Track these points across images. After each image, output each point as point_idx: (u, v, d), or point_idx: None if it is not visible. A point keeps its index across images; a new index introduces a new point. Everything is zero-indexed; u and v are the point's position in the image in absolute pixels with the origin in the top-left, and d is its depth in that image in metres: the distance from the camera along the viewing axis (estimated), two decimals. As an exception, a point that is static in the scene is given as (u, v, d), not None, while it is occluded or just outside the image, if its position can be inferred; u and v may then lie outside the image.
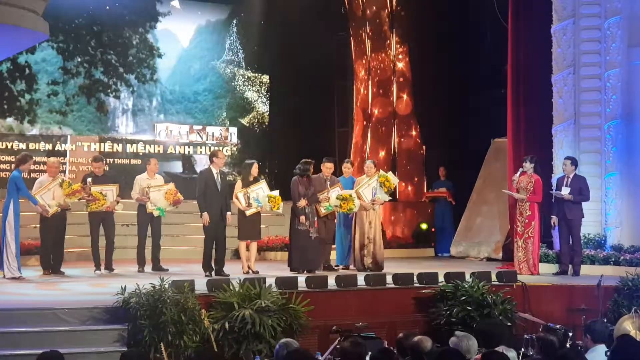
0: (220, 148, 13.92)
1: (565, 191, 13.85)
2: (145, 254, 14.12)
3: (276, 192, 13.62)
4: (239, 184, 13.66)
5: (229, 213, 13.58)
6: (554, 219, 14.07)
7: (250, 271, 13.52)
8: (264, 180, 13.83)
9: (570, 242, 13.96)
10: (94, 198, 13.50)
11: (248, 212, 13.47)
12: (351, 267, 14.53)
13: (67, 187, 13.25)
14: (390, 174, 14.66)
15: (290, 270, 13.75)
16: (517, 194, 13.99)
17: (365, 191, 14.22)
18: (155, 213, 13.86)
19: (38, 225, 13.85)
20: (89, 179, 13.65)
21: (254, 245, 13.86)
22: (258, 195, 13.47)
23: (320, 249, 14.16)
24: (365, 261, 14.26)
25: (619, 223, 14.76)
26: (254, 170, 13.68)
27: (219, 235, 13.49)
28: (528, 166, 14.00)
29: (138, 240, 14.14)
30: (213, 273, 13.22)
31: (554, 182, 14.70)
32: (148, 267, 14.07)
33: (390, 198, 14.84)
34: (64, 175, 15.47)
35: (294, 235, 13.94)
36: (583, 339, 8.09)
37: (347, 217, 14.76)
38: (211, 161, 13.58)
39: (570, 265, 13.95)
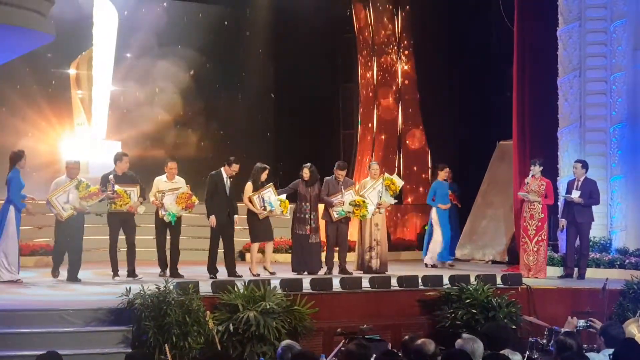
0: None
1: (575, 194, 13.83)
2: (166, 257, 13.55)
3: (283, 196, 13.78)
4: (249, 186, 13.69)
5: (236, 216, 13.63)
6: (563, 222, 14.07)
7: (267, 272, 13.62)
8: (272, 184, 13.84)
9: (578, 245, 13.95)
10: (118, 195, 12.85)
11: (262, 216, 13.56)
12: (359, 271, 14.52)
13: (83, 190, 12.66)
14: (395, 176, 14.67)
15: (292, 271, 13.86)
16: (533, 196, 13.95)
17: (370, 195, 14.20)
18: (167, 219, 13.21)
19: (38, 227, 13.60)
20: (111, 176, 13.00)
21: (270, 246, 13.93)
22: (270, 199, 13.57)
23: (319, 253, 14.22)
24: (373, 263, 14.26)
25: (624, 226, 14.73)
26: (264, 177, 13.73)
27: (226, 238, 13.53)
28: (537, 169, 14.00)
29: (157, 244, 13.54)
30: (218, 275, 13.26)
31: (560, 184, 14.71)
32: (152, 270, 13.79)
33: (396, 201, 14.85)
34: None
35: (294, 239, 14.10)
36: (597, 340, 8.08)
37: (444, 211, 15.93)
38: (225, 165, 13.58)
39: (575, 269, 13.94)
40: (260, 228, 13.71)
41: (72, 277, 12.83)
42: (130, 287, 10.22)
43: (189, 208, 13.31)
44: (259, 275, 13.37)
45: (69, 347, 9.36)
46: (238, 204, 13.86)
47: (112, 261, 13.18)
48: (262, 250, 14.07)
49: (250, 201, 13.56)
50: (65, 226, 12.80)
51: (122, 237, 13.29)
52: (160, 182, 13.52)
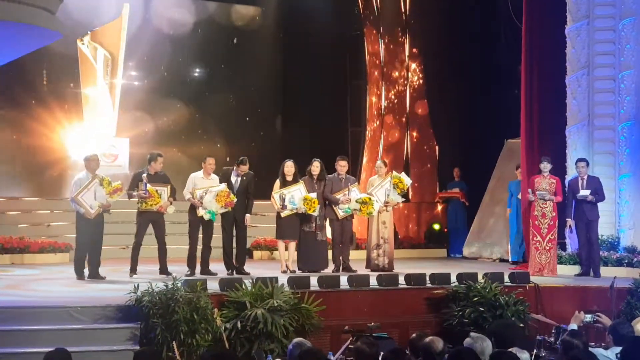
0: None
1: (586, 193, 13.81)
2: (196, 256, 13.34)
3: (313, 195, 13.66)
4: (276, 184, 13.73)
5: (248, 215, 13.60)
6: (571, 222, 14.04)
7: (287, 270, 13.60)
8: (302, 181, 13.79)
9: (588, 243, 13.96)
10: (150, 195, 12.77)
11: (283, 214, 13.57)
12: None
13: (107, 186, 12.56)
14: (403, 175, 14.61)
15: (298, 269, 13.84)
16: (547, 194, 13.91)
17: (378, 193, 14.19)
18: (206, 217, 13.09)
19: (47, 224, 13.50)
20: (145, 175, 12.93)
21: (292, 245, 13.87)
22: (294, 197, 13.55)
23: (325, 251, 14.20)
24: (380, 261, 14.27)
25: (632, 225, 14.69)
26: (286, 169, 13.73)
27: (238, 235, 13.59)
28: (547, 167, 13.97)
29: (189, 242, 13.33)
30: (234, 271, 13.35)
31: (567, 183, 14.67)
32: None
33: (404, 199, 14.81)
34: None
35: (300, 236, 14.00)
36: (606, 338, 8.08)
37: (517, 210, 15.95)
38: (235, 164, 13.68)
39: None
40: (281, 226, 13.76)
41: (95, 274, 12.77)
42: (138, 285, 10.23)
43: (228, 206, 13.20)
44: (285, 271, 13.44)
45: (77, 344, 9.34)
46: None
47: (133, 259, 13.09)
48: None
49: (273, 199, 13.66)
50: (88, 224, 12.66)
51: (149, 234, 13.27)
52: (197, 179, 13.40)
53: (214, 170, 13.57)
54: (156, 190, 12.88)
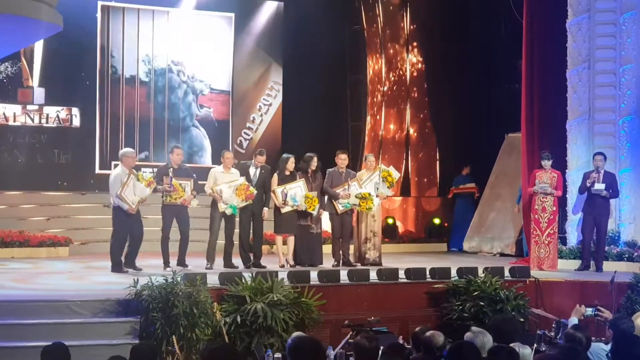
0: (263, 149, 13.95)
1: (601, 187, 13.79)
2: (215, 251, 13.46)
3: (314, 193, 13.73)
4: (275, 178, 13.77)
5: (265, 209, 13.74)
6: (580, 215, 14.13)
7: (286, 264, 13.60)
8: (303, 179, 13.81)
9: (595, 238, 13.93)
10: (174, 188, 12.92)
11: (283, 210, 13.60)
12: None
13: (143, 179, 12.68)
14: (391, 168, 14.62)
15: (295, 264, 13.82)
16: (549, 189, 13.90)
17: (367, 186, 14.16)
18: (228, 212, 13.21)
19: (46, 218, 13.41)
20: (170, 169, 13.04)
21: (291, 239, 13.87)
22: (295, 195, 13.60)
23: (320, 244, 14.22)
24: (369, 255, 14.27)
25: (632, 219, 14.68)
26: (290, 165, 13.77)
27: (255, 229, 13.71)
28: (548, 163, 13.97)
29: (210, 237, 13.49)
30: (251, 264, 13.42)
31: (568, 177, 14.68)
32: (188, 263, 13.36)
33: (393, 193, 14.85)
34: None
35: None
36: (606, 332, 8.08)
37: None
38: (254, 157, 13.86)
39: (592, 261, 13.91)
40: (281, 220, 13.78)
41: (132, 264, 12.84)
42: (138, 279, 10.23)
43: (249, 199, 13.31)
44: (283, 266, 13.44)
45: (75, 338, 9.33)
46: None
47: (164, 252, 13.14)
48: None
49: (274, 193, 13.66)
50: (128, 218, 12.71)
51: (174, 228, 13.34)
52: (218, 173, 13.51)
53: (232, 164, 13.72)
54: (180, 184, 13.01)
